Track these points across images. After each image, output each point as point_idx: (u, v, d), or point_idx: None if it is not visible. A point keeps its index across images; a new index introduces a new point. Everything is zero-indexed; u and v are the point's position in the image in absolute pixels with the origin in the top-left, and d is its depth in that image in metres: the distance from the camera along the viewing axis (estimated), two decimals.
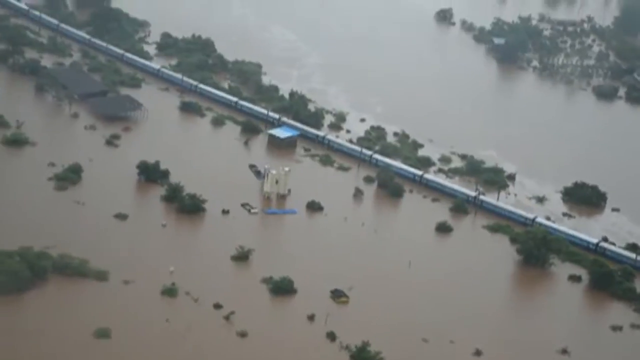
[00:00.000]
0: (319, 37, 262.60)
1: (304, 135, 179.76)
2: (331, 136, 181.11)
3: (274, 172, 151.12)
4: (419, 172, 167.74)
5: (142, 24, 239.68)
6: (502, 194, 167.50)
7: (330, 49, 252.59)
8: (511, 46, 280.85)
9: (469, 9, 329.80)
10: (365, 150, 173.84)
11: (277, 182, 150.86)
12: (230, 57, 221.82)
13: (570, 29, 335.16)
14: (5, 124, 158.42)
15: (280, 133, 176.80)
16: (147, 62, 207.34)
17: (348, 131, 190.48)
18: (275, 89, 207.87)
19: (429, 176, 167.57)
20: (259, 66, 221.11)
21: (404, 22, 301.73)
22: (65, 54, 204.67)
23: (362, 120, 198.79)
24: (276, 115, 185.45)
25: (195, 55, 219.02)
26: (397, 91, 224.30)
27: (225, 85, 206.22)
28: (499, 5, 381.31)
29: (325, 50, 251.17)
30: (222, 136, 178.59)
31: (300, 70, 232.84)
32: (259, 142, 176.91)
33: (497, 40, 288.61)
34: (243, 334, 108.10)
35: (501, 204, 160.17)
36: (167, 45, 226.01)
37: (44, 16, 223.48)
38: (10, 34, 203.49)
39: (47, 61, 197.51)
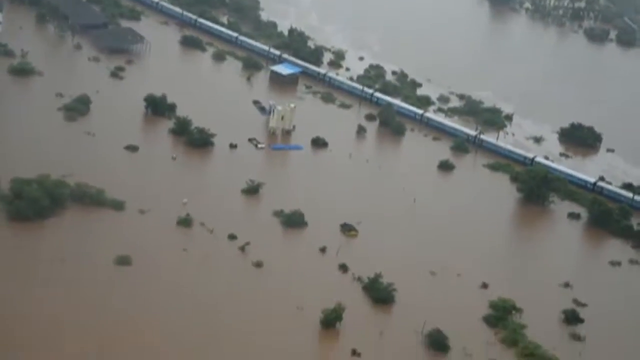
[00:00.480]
0: None
1: (305, 73, 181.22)
2: (332, 74, 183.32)
3: (279, 108, 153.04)
4: (420, 111, 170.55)
5: None
6: (501, 133, 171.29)
7: None
8: None
9: None
10: (366, 89, 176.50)
11: (282, 118, 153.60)
12: None
13: None
14: (10, 52, 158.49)
15: (283, 70, 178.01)
16: None
17: (347, 69, 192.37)
18: (273, 25, 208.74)
19: (430, 115, 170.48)
20: (257, 2, 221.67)
21: None
22: None
23: (361, 58, 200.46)
24: (277, 52, 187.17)
25: None
26: (394, 31, 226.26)
27: (224, 20, 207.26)
28: None
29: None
30: (224, 71, 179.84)
31: (297, 7, 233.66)
32: (261, 78, 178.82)
33: None
34: (258, 264, 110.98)
35: (501, 143, 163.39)
36: None
37: None
38: None
39: None
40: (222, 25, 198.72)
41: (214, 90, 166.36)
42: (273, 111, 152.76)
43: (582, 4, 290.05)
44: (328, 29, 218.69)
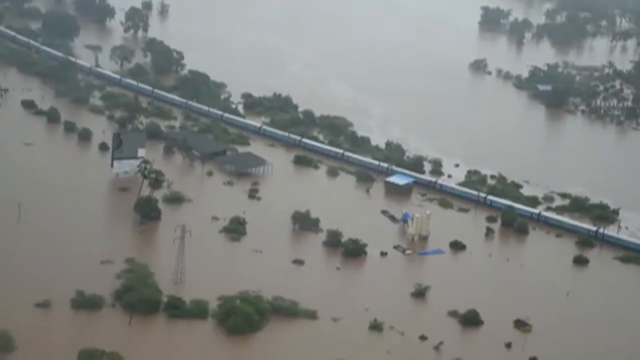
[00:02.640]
0: (373, 89, 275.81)
1: (416, 182, 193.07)
2: (441, 181, 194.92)
3: (417, 215, 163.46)
4: (536, 210, 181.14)
5: (220, 85, 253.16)
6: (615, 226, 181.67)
7: (387, 99, 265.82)
8: (559, 91, 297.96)
9: (490, 59, 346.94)
10: (481, 193, 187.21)
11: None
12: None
13: (596, 74, 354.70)
14: (156, 183, 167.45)
15: (398, 180, 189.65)
16: (247, 121, 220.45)
17: (449, 175, 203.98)
18: (367, 139, 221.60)
19: (546, 214, 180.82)
20: (343, 119, 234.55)
21: (442, 73, 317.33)
22: (170, 117, 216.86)
23: (457, 165, 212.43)
24: (385, 165, 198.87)
25: (281, 112, 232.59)
26: (468, 135, 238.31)
27: (321, 138, 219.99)
28: (516, 55, 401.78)
29: (383, 101, 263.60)
30: (341, 185, 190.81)
31: (371, 120, 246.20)
32: (376, 190, 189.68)
33: (542, 87, 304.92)
34: None
35: (623, 236, 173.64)
36: (253, 104, 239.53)
37: (140, 84, 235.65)
38: (128, 102, 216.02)
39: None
40: (323, 143, 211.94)
41: (340, 203, 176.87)
42: (411, 219, 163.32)
43: (629, 103, 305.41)
44: (411, 139, 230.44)
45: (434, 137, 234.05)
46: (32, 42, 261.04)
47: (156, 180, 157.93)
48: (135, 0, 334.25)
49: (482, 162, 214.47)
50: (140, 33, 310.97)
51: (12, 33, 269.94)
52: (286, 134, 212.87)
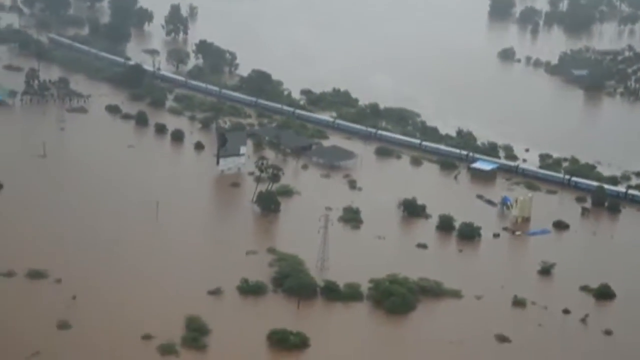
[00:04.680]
0: (413, 80, 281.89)
1: (499, 167, 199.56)
2: (523, 165, 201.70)
3: (521, 198, 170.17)
4: (622, 189, 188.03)
5: (277, 83, 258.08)
6: None
7: (431, 89, 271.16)
8: (595, 75, 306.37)
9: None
10: (566, 175, 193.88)
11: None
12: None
13: (619, 57, 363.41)
14: (262, 179, 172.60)
15: (484, 166, 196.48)
16: (319, 116, 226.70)
17: (524, 160, 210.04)
18: (435, 129, 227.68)
19: (634, 191, 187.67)
20: (410, 111, 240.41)
21: (473, 62, 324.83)
22: (244, 116, 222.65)
23: (527, 150, 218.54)
24: (465, 152, 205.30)
25: (344, 106, 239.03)
26: (520, 121, 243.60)
27: (388, 128, 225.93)
28: (532, 42, 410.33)
29: (428, 91, 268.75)
30: (426, 173, 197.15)
31: (424, 110, 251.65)
32: (461, 176, 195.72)
33: (578, 72, 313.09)
34: (607, 332, 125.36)
35: None
36: (317, 99, 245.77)
37: (208, 85, 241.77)
38: (202, 102, 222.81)
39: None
40: (402, 134, 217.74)
41: (432, 190, 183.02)
42: (515, 201, 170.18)
43: None
44: (470, 125, 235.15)
45: (490, 123, 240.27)
46: (91, 49, 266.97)
47: (274, 175, 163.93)
48: (162, 4, 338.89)
49: (547, 146, 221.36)
50: (181, 36, 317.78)
51: (68, 41, 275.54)
52: (359, 126, 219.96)
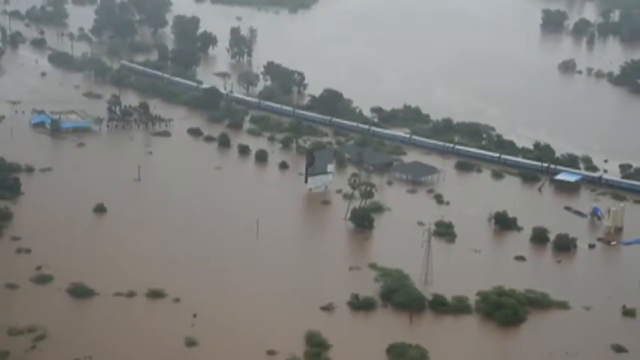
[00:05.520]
0: (477, 92, 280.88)
1: (583, 178, 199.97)
2: (607, 176, 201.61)
3: (614, 208, 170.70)
4: None
5: (347, 101, 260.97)
6: None
7: (497, 102, 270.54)
8: None
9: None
10: None
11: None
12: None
13: None
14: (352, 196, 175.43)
15: (569, 177, 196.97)
16: (394, 132, 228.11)
17: (605, 170, 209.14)
18: (511, 142, 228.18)
19: None
20: (484, 125, 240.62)
21: (535, 75, 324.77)
22: (321, 134, 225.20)
23: (605, 160, 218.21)
24: (545, 164, 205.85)
25: (417, 122, 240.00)
26: (593, 131, 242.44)
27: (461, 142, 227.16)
28: (589, 53, 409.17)
29: (493, 103, 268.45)
30: (510, 187, 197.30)
31: (493, 122, 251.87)
32: (545, 188, 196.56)
33: None
34: None
35: None
36: (389, 116, 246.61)
37: (283, 106, 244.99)
38: (293, 124, 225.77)
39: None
40: (482, 147, 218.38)
41: (518, 202, 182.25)
42: (607, 212, 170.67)
43: None
44: (542, 137, 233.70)
45: (563, 135, 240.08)
46: (164, 74, 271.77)
47: (367, 192, 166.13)
48: (222, 28, 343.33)
49: (625, 156, 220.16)
50: (245, 58, 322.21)
51: (140, 67, 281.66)
52: (436, 141, 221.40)
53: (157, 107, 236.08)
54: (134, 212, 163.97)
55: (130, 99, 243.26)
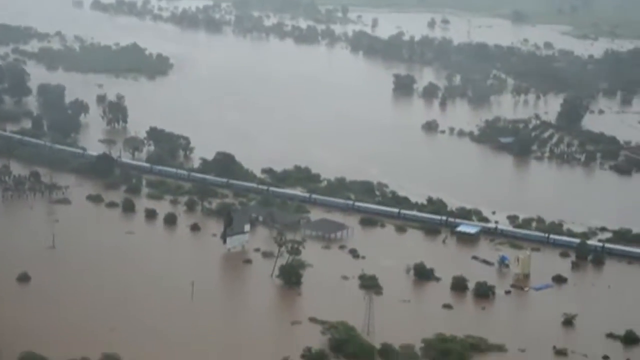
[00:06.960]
0: (353, 153, 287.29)
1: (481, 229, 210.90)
2: (502, 227, 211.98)
3: (521, 256, 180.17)
4: (599, 244, 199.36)
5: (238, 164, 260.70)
6: None
7: (372, 161, 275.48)
8: (523, 141, 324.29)
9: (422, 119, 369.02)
10: (551, 235, 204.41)
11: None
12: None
13: (531, 125, 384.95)
14: (269, 254, 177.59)
15: (469, 229, 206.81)
16: (293, 192, 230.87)
17: (496, 222, 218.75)
18: (406, 198, 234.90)
19: (610, 245, 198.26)
20: (375, 183, 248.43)
21: (401, 135, 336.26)
22: (221, 196, 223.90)
23: (493, 212, 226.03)
24: (444, 218, 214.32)
25: (309, 182, 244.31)
26: (471, 187, 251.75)
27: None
28: (442, 114, 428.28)
29: (370, 162, 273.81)
30: (414, 240, 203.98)
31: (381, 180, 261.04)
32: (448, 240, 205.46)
33: (504, 139, 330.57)
34: None
35: None
36: (282, 177, 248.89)
37: (178, 170, 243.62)
38: (195, 187, 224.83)
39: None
40: (379, 203, 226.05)
41: (426, 255, 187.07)
42: (516, 260, 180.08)
43: (574, 148, 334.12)
44: (428, 193, 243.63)
45: (447, 189, 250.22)
46: (46, 142, 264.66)
47: (294, 249, 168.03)
48: (85, 95, 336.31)
49: (507, 207, 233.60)
50: (120, 124, 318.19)
51: (18, 136, 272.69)
52: (335, 199, 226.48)
53: (46, 175, 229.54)
54: (59, 280, 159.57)
55: (18, 169, 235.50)
